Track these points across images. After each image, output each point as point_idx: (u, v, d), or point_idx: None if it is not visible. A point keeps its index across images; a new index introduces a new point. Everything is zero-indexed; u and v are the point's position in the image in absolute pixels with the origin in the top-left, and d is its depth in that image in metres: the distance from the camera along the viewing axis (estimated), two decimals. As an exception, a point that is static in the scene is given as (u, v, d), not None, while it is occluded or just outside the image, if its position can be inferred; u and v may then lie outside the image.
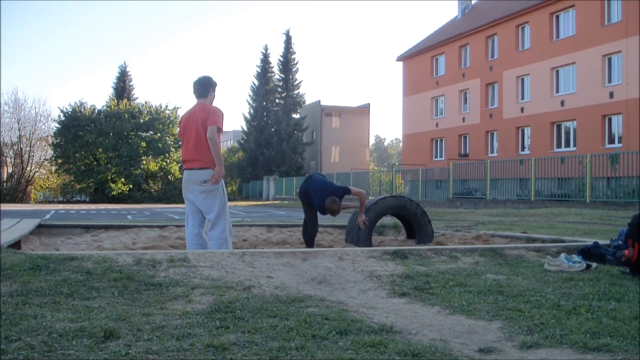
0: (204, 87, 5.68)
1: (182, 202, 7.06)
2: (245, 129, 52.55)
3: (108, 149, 44.50)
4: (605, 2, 25.62)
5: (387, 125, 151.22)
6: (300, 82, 51.56)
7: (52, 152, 46.41)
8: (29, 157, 47.82)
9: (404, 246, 6.22)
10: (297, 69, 51.62)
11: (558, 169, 20.67)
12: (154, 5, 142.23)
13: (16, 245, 5.55)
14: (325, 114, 51.19)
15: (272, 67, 52.03)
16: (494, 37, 32.30)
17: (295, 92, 51.18)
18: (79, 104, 45.94)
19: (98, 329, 2.70)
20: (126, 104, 47.49)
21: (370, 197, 10.46)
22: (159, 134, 47.22)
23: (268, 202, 37.96)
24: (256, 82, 51.83)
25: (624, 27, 24.36)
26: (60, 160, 45.44)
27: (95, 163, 45.48)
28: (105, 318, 2.96)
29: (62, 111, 45.19)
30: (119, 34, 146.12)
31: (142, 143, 45.56)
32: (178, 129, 6.40)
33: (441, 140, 36.40)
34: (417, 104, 38.05)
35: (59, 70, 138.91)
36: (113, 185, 44.35)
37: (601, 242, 5.93)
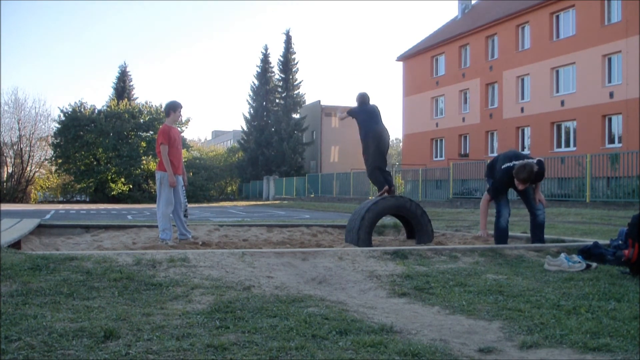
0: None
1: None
2: (245, 129, 52.55)
3: (108, 149, 44.48)
4: (605, 2, 25.61)
5: (387, 125, 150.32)
6: (300, 82, 51.56)
7: (52, 152, 46.37)
8: (29, 157, 47.82)
9: (404, 246, 6.22)
10: (297, 69, 51.62)
11: (558, 169, 20.66)
12: (154, 5, 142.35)
13: (16, 245, 5.55)
14: (325, 114, 51.19)
15: (272, 67, 52.02)
16: (494, 37, 32.29)
17: (295, 92, 51.17)
18: (79, 104, 45.90)
19: (98, 329, 2.71)
20: (126, 104, 47.43)
21: (370, 197, 10.47)
22: (159, 134, 47.14)
23: (268, 202, 37.96)
24: (256, 82, 51.82)
25: (624, 27, 24.35)
26: (60, 160, 45.40)
27: (95, 163, 45.46)
28: (105, 318, 2.96)
29: (62, 111, 45.18)
30: (119, 34, 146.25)
31: (142, 143, 45.52)
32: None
33: (441, 140, 36.40)
34: (417, 104, 38.04)
35: (59, 70, 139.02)
36: (113, 185, 44.33)
37: (601, 242, 5.93)
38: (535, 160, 6.29)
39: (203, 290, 3.75)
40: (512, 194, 7.16)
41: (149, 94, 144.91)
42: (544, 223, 6.64)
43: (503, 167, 6.35)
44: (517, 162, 6.20)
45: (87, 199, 46.84)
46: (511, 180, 6.28)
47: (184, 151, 50.36)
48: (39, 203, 44.44)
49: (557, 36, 28.30)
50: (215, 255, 4.80)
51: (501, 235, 6.50)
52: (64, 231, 7.98)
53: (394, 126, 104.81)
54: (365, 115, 7.45)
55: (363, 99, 7.59)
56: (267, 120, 51.16)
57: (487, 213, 6.85)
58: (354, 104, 7.86)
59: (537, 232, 6.54)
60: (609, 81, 25.44)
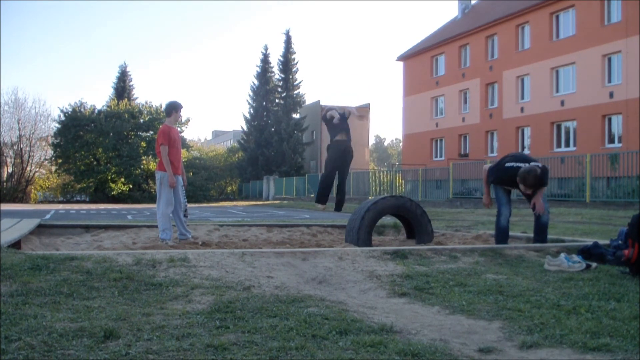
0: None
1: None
2: (245, 129, 52.55)
3: (108, 149, 44.48)
4: (605, 2, 25.61)
5: (387, 125, 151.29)
6: (300, 82, 51.57)
7: (52, 152, 46.38)
8: (29, 157, 47.79)
9: (404, 246, 6.21)
10: (297, 69, 51.63)
11: (558, 169, 20.66)
12: (154, 6, 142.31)
13: (16, 245, 5.55)
14: (325, 114, 51.13)
15: (272, 67, 52.02)
16: (494, 37, 32.29)
17: (295, 92, 51.17)
18: (79, 104, 45.90)
19: (98, 329, 2.71)
20: (126, 104, 47.43)
21: (370, 197, 10.50)
22: (158, 134, 47.12)
23: (268, 202, 37.95)
24: (256, 82, 51.82)
25: (624, 27, 24.36)
26: (60, 160, 45.41)
27: (95, 163, 45.45)
28: (105, 318, 2.96)
29: (62, 111, 45.18)
30: (119, 34, 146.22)
31: (142, 143, 45.51)
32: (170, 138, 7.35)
33: (441, 140, 36.39)
34: (417, 104, 38.04)
35: (59, 70, 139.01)
36: (113, 185, 44.33)
37: (601, 242, 5.93)
38: (540, 165, 6.27)
39: (203, 290, 3.75)
40: (513, 193, 7.14)
41: (149, 94, 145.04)
42: (548, 224, 6.63)
43: (507, 164, 6.33)
44: (523, 165, 6.15)
45: (87, 199, 46.82)
46: (510, 180, 6.28)
47: (183, 151, 50.60)
48: (39, 203, 44.41)
49: (557, 36, 28.30)
50: (215, 255, 4.80)
51: (501, 234, 6.49)
52: (64, 231, 7.98)
53: (394, 126, 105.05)
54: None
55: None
56: (267, 120, 51.15)
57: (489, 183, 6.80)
58: (352, 104, 8.27)
59: (540, 233, 6.53)
60: (609, 81, 25.44)
